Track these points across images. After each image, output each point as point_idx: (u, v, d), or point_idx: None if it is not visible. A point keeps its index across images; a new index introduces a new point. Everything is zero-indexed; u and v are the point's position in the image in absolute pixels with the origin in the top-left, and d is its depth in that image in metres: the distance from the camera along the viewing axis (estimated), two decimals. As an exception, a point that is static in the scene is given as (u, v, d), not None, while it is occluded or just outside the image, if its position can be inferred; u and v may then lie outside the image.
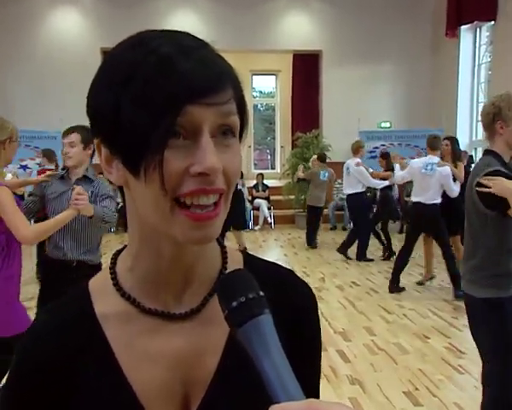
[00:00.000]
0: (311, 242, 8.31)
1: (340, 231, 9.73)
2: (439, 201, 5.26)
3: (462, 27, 10.17)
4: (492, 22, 9.45)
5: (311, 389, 0.68)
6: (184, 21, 10.73)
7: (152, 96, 0.47)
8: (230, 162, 0.51)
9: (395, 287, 5.54)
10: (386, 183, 7.19)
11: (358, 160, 7.18)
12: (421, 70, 11.41)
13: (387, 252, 7.28)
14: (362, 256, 7.20)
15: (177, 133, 0.48)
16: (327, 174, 7.99)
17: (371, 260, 7.20)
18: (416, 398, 3.13)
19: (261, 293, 0.48)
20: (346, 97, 11.30)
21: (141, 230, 0.57)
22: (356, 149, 7.36)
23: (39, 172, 5.99)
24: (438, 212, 5.23)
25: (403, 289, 5.61)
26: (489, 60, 10.07)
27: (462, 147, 7.28)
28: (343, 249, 7.32)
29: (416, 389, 3.26)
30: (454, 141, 5.60)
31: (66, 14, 10.92)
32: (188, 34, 0.53)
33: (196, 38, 0.53)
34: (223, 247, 0.65)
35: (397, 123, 11.47)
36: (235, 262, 0.65)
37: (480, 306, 2.21)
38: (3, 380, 1.52)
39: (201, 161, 0.48)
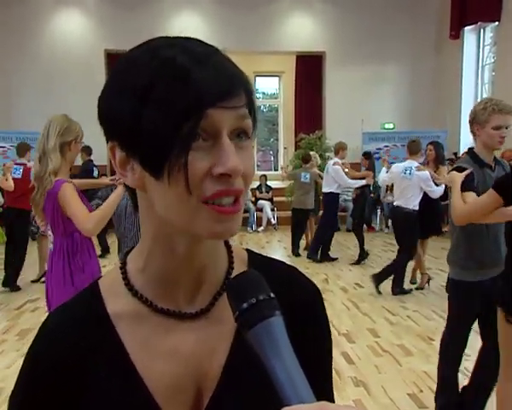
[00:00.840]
0: (294, 249, 7.83)
1: (343, 233, 9.70)
2: (417, 207, 5.31)
3: (466, 28, 10.15)
4: (496, 23, 9.43)
5: (321, 390, 0.68)
6: (188, 23, 10.75)
7: (174, 101, 0.49)
8: (246, 163, 0.53)
9: (398, 290, 5.54)
10: (363, 182, 7.17)
11: (337, 159, 7.26)
12: (424, 71, 11.39)
13: (359, 255, 7.21)
14: (313, 254, 7.31)
15: (199, 136, 0.50)
16: (308, 176, 7.61)
17: (334, 259, 7.29)
18: (420, 400, 3.12)
19: (272, 295, 0.48)
20: (349, 98, 11.29)
21: (156, 230, 0.58)
22: (337, 150, 7.47)
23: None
24: (413, 219, 5.29)
25: (408, 291, 5.60)
26: (493, 61, 10.04)
27: (466, 148, 7.26)
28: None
29: (421, 391, 3.25)
30: (438, 146, 5.69)
31: (70, 16, 10.96)
32: (198, 41, 0.55)
33: (206, 44, 0.55)
34: (228, 246, 0.66)
35: (400, 124, 11.45)
36: (241, 261, 0.66)
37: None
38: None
39: (224, 163, 0.50)
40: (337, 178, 7.10)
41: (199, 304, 0.61)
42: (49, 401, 0.58)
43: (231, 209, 0.53)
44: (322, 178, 7.63)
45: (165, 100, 0.50)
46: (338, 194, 7.33)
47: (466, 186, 2.35)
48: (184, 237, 0.56)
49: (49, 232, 2.52)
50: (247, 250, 0.70)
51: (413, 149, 5.49)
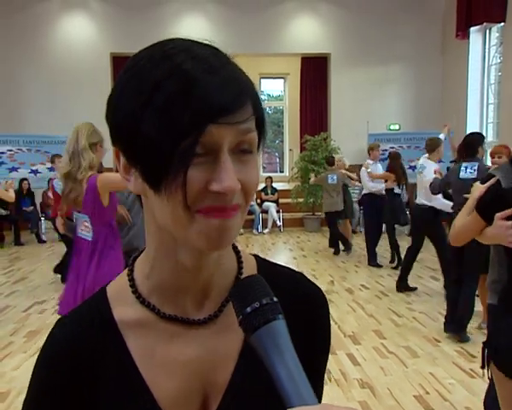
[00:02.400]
0: (334, 249, 8.02)
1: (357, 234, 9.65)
2: (431, 204, 5.15)
3: (472, 28, 10.10)
4: (502, 24, 9.39)
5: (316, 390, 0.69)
6: (193, 25, 10.79)
7: (175, 115, 0.48)
8: (248, 177, 0.52)
9: (402, 286, 5.58)
10: (382, 186, 6.95)
11: (368, 161, 7.18)
12: (430, 72, 11.36)
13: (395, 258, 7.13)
14: (373, 260, 7.18)
15: (198, 153, 0.49)
16: (335, 177, 7.76)
17: (379, 265, 7.06)
18: (426, 402, 3.11)
19: (275, 299, 0.49)
20: (354, 100, 11.28)
21: (158, 237, 0.57)
22: (368, 151, 7.44)
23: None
24: (431, 215, 5.15)
25: (413, 288, 5.64)
26: (499, 61, 10.00)
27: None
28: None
29: (427, 393, 3.23)
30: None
31: (75, 20, 11.02)
32: (211, 47, 0.53)
33: (219, 52, 0.53)
34: (237, 252, 0.66)
35: (406, 125, 11.42)
36: (249, 267, 0.66)
37: None
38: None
39: (220, 181, 0.49)
40: (362, 181, 7.18)
41: (207, 311, 0.61)
42: (60, 406, 0.58)
43: (225, 214, 0.51)
44: (351, 179, 7.83)
45: (166, 113, 0.48)
46: (372, 194, 7.01)
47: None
48: (186, 247, 0.55)
49: (86, 224, 2.77)
50: (255, 256, 0.69)
51: (428, 147, 5.41)
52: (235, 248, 0.66)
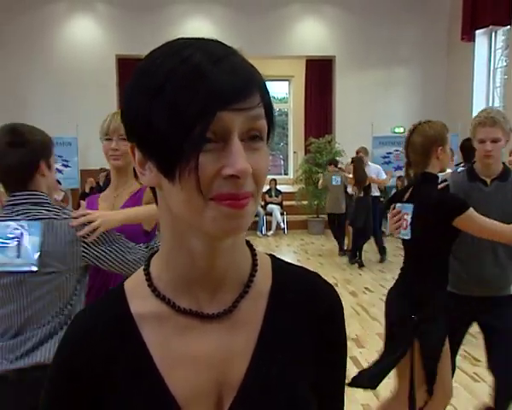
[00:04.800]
0: (340, 249, 8.07)
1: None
2: None
3: (478, 31, 10.07)
4: (508, 27, 9.35)
5: (335, 395, 0.70)
6: (198, 27, 10.80)
7: (184, 104, 0.49)
8: (259, 164, 0.54)
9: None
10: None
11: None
12: (435, 74, 11.33)
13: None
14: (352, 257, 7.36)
15: (209, 138, 0.50)
16: (339, 179, 7.90)
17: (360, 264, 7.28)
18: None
19: None
20: (359, 102, 11.26)
21: (173, 228, 0.59)
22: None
23: None
24: None
25: None
26: (505, 64, 9.96)
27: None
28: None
29: (431, 396, 3.22)
30: None
31: (80, 22, 11.07)
32: (218, 42, 0.55)
33: (226, 45, 0.55)
34: (252, 249, 0.66)
35: (411, 128, 11.37)
36: (264, 266, 0.66)
37: None
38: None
39: (233, 164, 0.50)
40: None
41: (220, 305, 0.61)
42: (74, 401, 0.60)
43: (239, 203, 0.52)
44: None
45: (176, 103, 0.50)
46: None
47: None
48: (200, 236, 0.56)
49: None
50: (271, 255, 0.70)
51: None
52: (250, 246, 0.66)
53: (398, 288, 2.28)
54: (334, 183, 7.92)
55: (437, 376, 2.15)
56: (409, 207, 2.20)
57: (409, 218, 2.18)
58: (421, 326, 2.11)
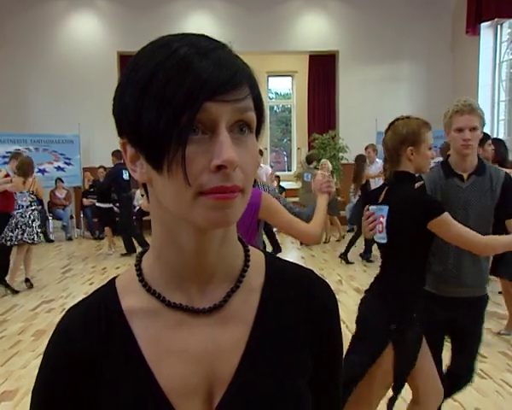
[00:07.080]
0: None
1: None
2: None
3: (483, 24, 9.97)
4: (513, 19, 9.27)
5: (331, 392, 0.71)
6: (200, 23, 10.77)
7: (171, 94, 0.50)
8: (247, 157, 0.54)
9: None
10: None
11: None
12: (440, 69, 11.25)
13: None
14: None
15: (196, 129, 0.51)
16: (310, 176, 8.04)
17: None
18: (436, 403, 3.06)
19: None
20: (363, 98, 11.20)
21: (163, 223, 0.59)
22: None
23: None
24: None
25: None
26: (510, 57, 9.88)
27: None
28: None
29: (437, 393, 3.19)
30: (499, 143, 4.92)
31: (82, 19, 11.05)
32: (207, 37, 0.56)
33: (214, 40, 0.56)
34: (245, 246, 0.66)
35: (415, 123, 11.31)
36: (257, 262, 0.66)
37: None
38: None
39: (219, 154, 0.50)
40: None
41: (211, 299, 0.61)
42: (67, 396, 0.59)
43: (226, 196, 0.52)
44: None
45: (163, 93, 0.50)
46: None
47: None
48: (189, 229, 0.57)
49: None
50: (265, 252, 0.70)
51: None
52: (243, 242, 0.66)
53: (373, 289, 2.12)
54: (305, 179, 8.28)
55: (419, 379, 2.13)
56: (384, 209, 2.05)
57: (384, 220, 2.04)
58: (396, 335, 1.98)
